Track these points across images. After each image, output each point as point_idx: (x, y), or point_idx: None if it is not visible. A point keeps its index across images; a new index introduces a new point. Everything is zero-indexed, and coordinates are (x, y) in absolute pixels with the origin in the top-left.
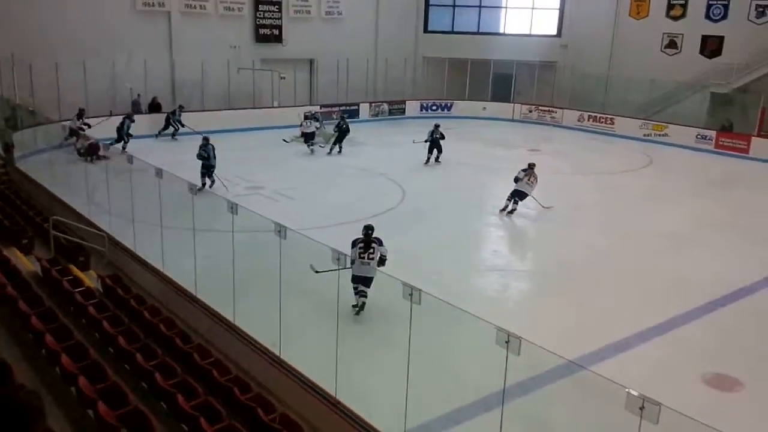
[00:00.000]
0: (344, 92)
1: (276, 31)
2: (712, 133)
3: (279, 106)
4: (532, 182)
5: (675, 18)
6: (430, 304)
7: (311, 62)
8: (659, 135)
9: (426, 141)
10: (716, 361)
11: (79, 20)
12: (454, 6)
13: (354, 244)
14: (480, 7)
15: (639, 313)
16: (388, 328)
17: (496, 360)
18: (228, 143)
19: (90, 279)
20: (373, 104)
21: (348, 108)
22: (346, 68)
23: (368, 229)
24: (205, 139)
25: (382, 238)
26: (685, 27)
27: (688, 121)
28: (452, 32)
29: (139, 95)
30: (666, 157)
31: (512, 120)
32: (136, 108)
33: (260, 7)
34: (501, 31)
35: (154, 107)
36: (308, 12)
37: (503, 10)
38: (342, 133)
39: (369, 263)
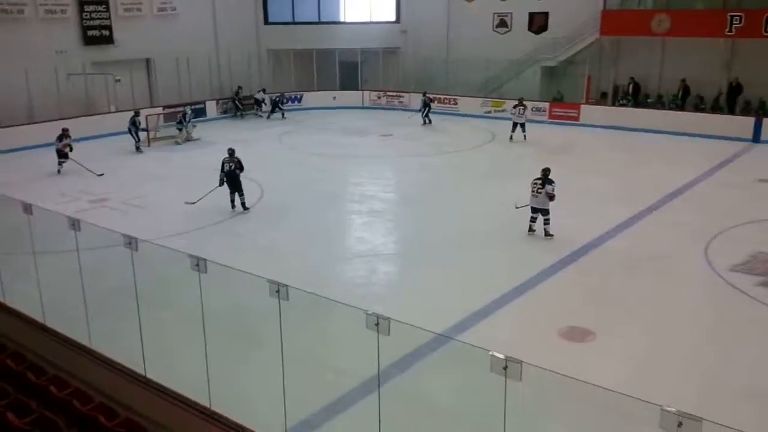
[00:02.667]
0: (187, 91)
1: (106, 32)
2: (546, 105)
3: (117, 111)
4: (517, 113)
5: None
6: (298, 298)
7: (148, 62)
8: (499, 111)
9: (419, 110)
10: (570, 314)
11: None
12: None
13: (533, 182)
14: None
15: (498, 277)
16: (258, 329)
17: (369, 344)
18: None
19: None
20: (220, 101)
21: (194, 107)
22: (186, 66)
23: (545, 171)
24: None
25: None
26: (513, 6)
27: (524, 96)
28: (293, 23)
29: None
30: (507, 131)
31: (363, 107)
32: None
33: (86, 8)
34: (342, 19)
35: None
36: (139, 10)
37: None
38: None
39: (538, 196)
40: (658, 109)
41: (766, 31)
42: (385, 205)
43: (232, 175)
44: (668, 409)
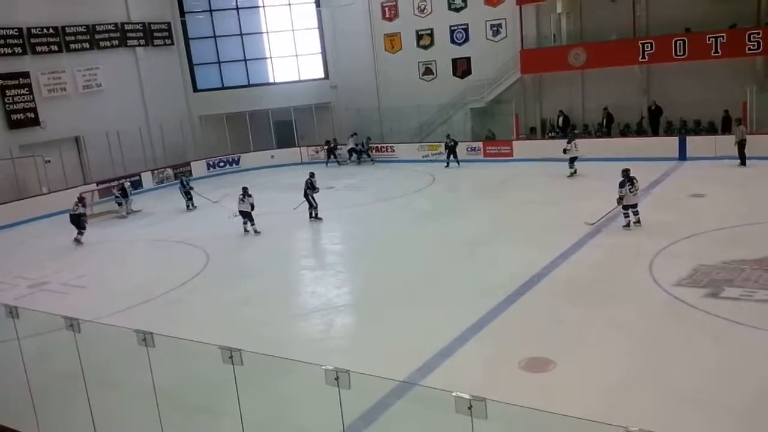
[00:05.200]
0: (120, 165)
1: (31, 114)
2: (479, 144)
3: (49, 192)
4: (572, 147)
5: (425, 47)
6: (253, 361)
7: (77, 140)
8: (436, 154)
9: (441, 152)
10: (528, 346)
11: None
12: (219, 63)
13: (623, 184)
14: (245, 60)
15: (454, 318)
16: (215, 399)
17: (332, 400)
18: None
19: None
20: (155, 171)
21: (130, 179)
22: (117, 140)
23: (628, 170)
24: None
25: None
26: (435, 54)
27: (457, 137)
28: (223, 88)
29: None
30: (445, 172)
31: (301, 163)
32: None
33: (7, 92)
34: (271, 80)
35: None
36: (64, 89)
37: (269, 61)
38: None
39: (637, 193)
40: (585, 138)
41: (676, 55)
42: (335, 257)
43: (304, 194)
44: (632, 429)
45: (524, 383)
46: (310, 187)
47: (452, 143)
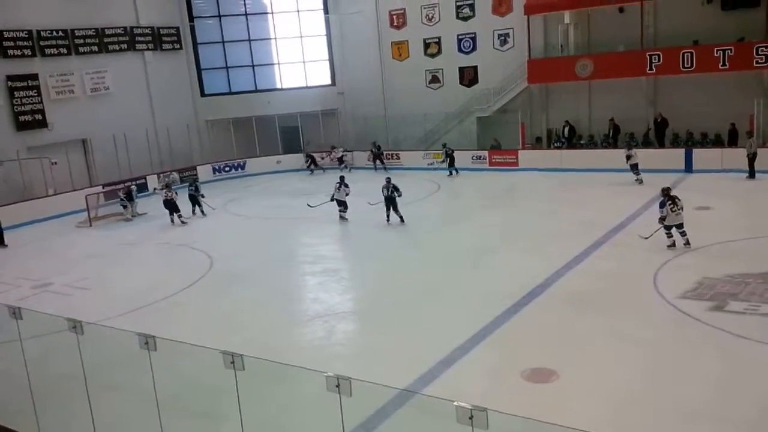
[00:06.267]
0: (126, 168)
1: (39, 116)
2: (485, 153)
3: (56, 194)
4: (634, 154)
5: (432, 55)
6: (254, 366)
7: (84, 142)
8: (441, 162)
9: (444, 160)
10: (531, 356)
11: None
12: (227, 68)
13: (663, 204)
14: (253, 66)
15: (457, 326)
16: (216, 404)
17: (333, 407)
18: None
19: None
20: (161, 175)
21: (136, 182)
22: (124, 143)
23: (668, 189)
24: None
25: None
26: (442, 62)
27: (463, 146)
28: (230, 93)
29: None
30: (450, 181)
31: (307, 169)
32: None
33: (16, 94)
34: (279, 86)
35: None
36: (72, 91)
37: (276, 67)
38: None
39: (680, 212)
40: (591, 148)
41: (683, 67)
42: (338, 264)
43: (390, 198)
44: None
45: (527, 394)
46: (394, 190)
47: (450, 151)
